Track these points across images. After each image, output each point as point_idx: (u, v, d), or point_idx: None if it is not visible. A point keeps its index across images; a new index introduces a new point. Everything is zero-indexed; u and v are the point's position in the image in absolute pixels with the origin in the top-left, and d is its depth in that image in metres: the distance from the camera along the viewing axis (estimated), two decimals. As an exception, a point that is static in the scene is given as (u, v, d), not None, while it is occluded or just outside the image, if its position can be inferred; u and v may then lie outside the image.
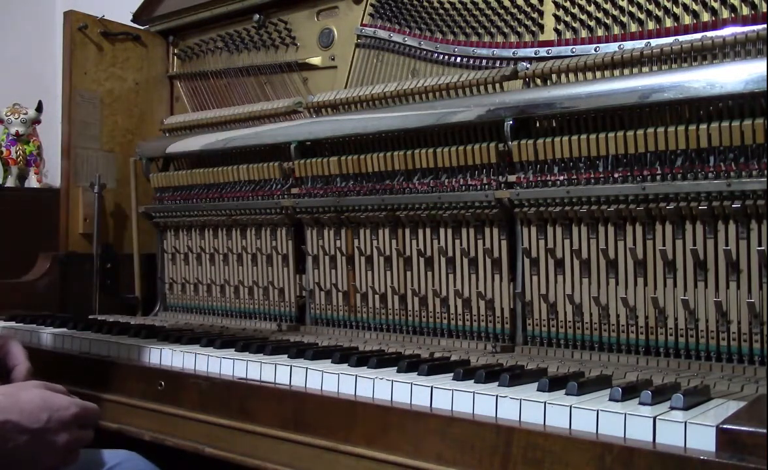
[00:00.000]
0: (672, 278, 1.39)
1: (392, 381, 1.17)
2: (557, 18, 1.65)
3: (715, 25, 1.45)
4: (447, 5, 1.82)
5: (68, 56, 2.30)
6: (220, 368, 1.41)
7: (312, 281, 1.92)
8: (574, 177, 1.48)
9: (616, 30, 1.57)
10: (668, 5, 1.50)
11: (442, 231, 1.68)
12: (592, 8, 1.60)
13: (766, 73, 1.25)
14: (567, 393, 1.06)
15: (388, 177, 1.74)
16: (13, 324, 1.97)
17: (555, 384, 1.09)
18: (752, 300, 1.29)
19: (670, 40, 1.47)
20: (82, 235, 2.30)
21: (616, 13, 1.57)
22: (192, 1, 2.32)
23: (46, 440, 1.12)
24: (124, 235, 2.39)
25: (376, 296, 1.79)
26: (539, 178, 1.52)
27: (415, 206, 1.69)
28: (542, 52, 1.66)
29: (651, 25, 1.53)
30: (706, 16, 1.46)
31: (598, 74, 1.53)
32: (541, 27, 1.68)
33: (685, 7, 1.48)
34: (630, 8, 1.55)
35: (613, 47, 1.55)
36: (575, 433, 0.97)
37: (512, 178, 1.56)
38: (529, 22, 1.69)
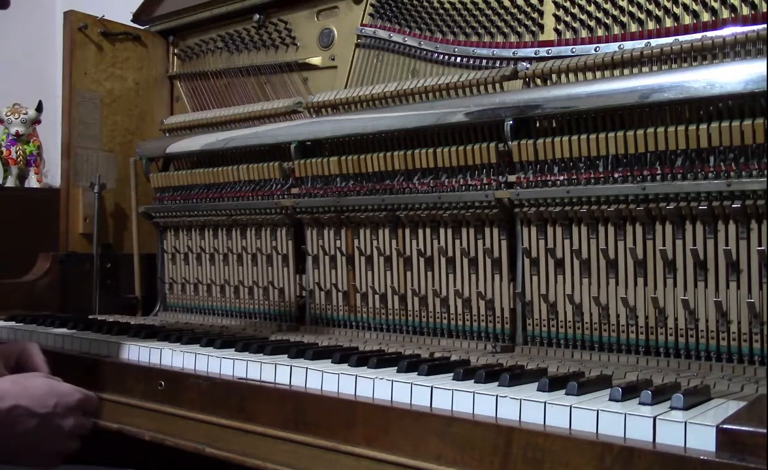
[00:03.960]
0: (672, 278, 1.39)
1: (392, 381, 1.17)
2: (557, 18, 1.65)
3: (715, 25, 1.45)
4: (447, 5, 1.82)
5: (68, 56, 2.30)
6: (220, 368, 1.41)
7: (312, 281, 1.92)
8: (574, 177, 1.48)
9: (616, 30, 1.57)
10: (668, 5, 1.50)
11: (442, 231, 1.68)
12: (592, 8, 1.60)
13: (766, 73, 1.25)
14: (567, 393, 1.06)
15: (388, 177, 1.74)
16: (13, 324, 1.96)
17: (555, 384, 1.09)
18: (752, 300, 1.29)
19: (670, 40, 1.47)
20: (82, 235, 2.30)
21: (616, 13, 1.57)
22: (192, 1, 2.32)
23: (54, 424, 1.16)
24: (124, 235, 2.39)
25: (376, 296, 1.79)
26: (539, 178, 1.52)
27: (415, 206, 1.69)
28: (542, 52, 1.66)
29: (651, 25, 1.53)
30: (706, 16, 1.46)
31: (598, 74, 1.53)
32: (541, 27, 1.68)
33: (685, 7, 1.48)
34: (630, 8, 1.55)
35: (613, 47, 1.55)
36: (575, 433, 0.96)
37: (512, 178, 1.56)
38: (529, 22, 1.69)
